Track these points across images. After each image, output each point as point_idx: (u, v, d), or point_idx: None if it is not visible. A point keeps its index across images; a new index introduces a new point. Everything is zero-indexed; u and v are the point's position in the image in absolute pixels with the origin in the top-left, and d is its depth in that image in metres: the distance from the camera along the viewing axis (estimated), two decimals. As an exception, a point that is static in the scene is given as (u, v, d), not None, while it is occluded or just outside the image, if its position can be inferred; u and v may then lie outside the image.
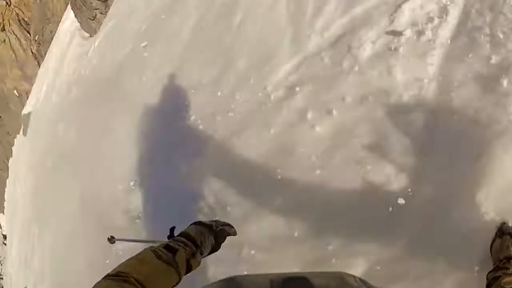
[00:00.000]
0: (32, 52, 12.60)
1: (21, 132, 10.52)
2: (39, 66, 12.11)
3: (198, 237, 0.80)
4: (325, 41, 1.87)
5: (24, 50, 12.35)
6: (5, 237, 8.55)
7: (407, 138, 1.45)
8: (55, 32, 10.19)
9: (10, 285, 6.19)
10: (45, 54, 11.04)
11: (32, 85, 11.37)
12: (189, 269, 0.73)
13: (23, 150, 8.75)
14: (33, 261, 4.62)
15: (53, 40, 9.60)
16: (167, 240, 0.78)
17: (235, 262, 1.68)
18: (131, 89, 3.18)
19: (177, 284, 0.69)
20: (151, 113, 2.79)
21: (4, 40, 11.93)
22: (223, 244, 0.88)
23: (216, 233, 0.85)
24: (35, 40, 11.61)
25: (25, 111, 11.41)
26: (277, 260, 1.62)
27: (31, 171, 5.89)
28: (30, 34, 11.03)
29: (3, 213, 8.94)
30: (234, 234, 0.91)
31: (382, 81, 1.60)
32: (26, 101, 12.21)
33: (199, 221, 0.87)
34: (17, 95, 13.58)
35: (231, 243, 0.95)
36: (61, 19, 8.80)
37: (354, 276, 0.90)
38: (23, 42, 11.74)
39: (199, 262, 0.78)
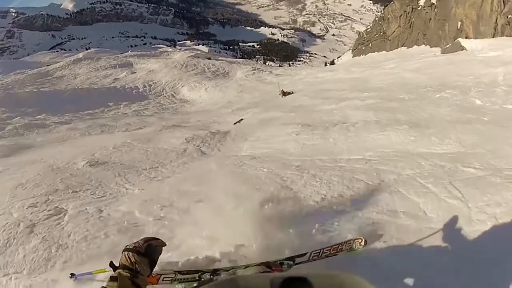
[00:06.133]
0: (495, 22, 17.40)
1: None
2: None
3: (132, 265, 1.01)
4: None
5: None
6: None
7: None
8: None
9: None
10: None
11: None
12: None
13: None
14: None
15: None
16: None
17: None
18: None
19: None
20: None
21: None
22: None
23: (146, 253, 1.02)
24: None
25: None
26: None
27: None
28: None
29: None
30: (163, 244, 1.08)
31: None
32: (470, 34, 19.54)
33: (126, 247, 1.05)
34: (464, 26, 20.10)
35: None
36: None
37: (354, 276, 0.89)
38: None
39: (144, 280, 1.01)
